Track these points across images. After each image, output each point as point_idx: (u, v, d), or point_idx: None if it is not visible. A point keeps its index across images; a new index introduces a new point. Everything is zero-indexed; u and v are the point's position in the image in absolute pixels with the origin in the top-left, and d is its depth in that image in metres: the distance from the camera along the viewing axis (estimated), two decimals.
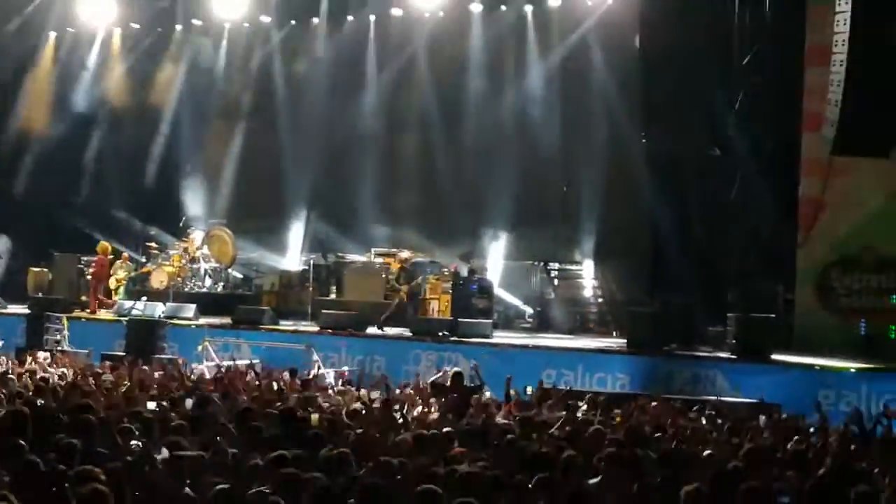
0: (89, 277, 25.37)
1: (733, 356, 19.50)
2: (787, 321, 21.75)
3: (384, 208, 27.18)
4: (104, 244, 25.42)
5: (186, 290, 26.16)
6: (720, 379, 18.56)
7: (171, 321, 22.95)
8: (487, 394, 15.71)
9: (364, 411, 13.05)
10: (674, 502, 8.34)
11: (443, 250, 25.91)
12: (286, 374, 17.27)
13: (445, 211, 26.30)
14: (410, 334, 21.90)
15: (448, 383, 15.42)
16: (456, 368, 16.76)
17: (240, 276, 27.85)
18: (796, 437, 12.05)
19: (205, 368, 19.03)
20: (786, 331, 21.49)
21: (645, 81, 23.16)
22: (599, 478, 9.28)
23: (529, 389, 16.41)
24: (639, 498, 8.81)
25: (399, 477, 8.79)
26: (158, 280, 26.06)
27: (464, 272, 24.06)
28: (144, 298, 24.69)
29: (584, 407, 14.34)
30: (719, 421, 13.62)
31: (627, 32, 23.92)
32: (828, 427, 12.93)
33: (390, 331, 22.51)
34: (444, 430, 11.33)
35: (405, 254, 23.99)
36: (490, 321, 22.68)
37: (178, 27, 29.29)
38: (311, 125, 27.72)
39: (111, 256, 25.60)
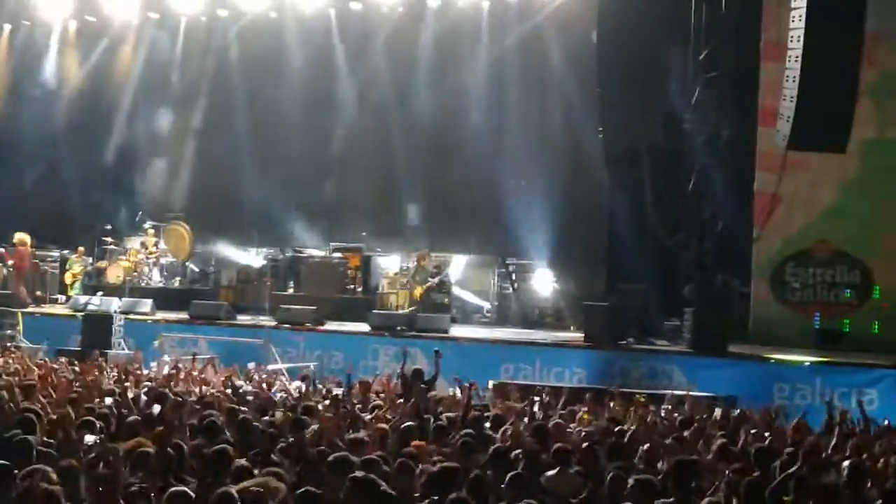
0: (11, 270, 25.19)
1: (690, 350, 19.64)
2: (743, 315, 21.93)
3: (342, 204, 27.12)
4: (21, 235, 25.31)
5: (143, 285, 26.01)
6: (677, 372, 18.70)
7: (128, 316, 22.82)
8: (450, 390, 15.71)
9: (323, 407, 13.03)
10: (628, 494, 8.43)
11: (401, 245, 25.90)
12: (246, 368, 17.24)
13: (403, 206, 26.31)
14: (369, 329, 21.90)
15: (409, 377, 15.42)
16: (416, 366, 16.75)
17: (197, 270, 27.69)
18: (754, 431, 12.16)
19: (163, 364, 18.91)
20: (741, 324, 21.69)
21: (601, 76, 23.21)
22: (556, 470, 9.33)
23: (491, 384, 16.46)
24: (595, 490, 8.86)
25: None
26: (114, 275, 25.89)
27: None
28: (100, 293, 24.51)
29: (545, 401, 14.39)
30: (675, 414, 13.71)
31: (585, 27, 23.96)
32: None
33: (349, 326, 22.50)
34: (404, 425, 11.31)
35: (424, 251, 23.95)
36: (448, 316, 22.74)
37: (135, 21, 29.03)
38: (269, 120, 27.61)
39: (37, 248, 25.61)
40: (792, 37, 17.41)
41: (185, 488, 7.80)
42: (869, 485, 9.17)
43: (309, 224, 26.85)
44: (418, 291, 23.25)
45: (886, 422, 13.59)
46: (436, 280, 23.55)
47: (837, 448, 11.08)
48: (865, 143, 20.39)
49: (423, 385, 14.82)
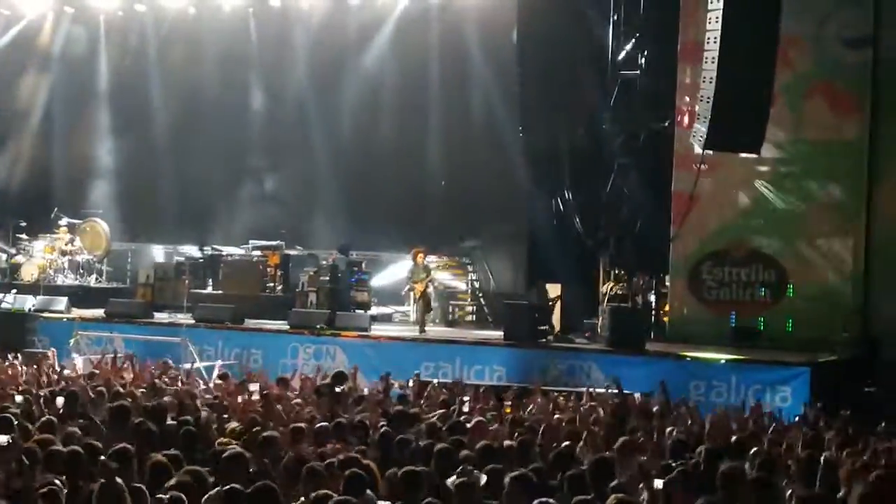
0: None
1: (608, 347, 19.81)
2: (660, 313, 22.18)
3: (261, 200, 26.99)
4: None
5: (58, 282, 25.63)
6: (595, 370, 18.83)
7: (42, 314, 22.49)
8: (365, 390, 15.66)
9: (241, 405, 12.96)
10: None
11: (321, 242, 25.81)
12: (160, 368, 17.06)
13: (324, 203, 26.23)
14: (288, 327, 21.79)
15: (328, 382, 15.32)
16: (338, 369, 16.70)
17: (113, 268, 27.32)
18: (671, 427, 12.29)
19: (79, 362, 18.66)
20: (659, 323, 21.94)
21: (522, 75, 23.36)
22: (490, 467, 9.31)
23: (411, 382, 16.46)
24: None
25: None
26: (29, 272, 25.48)
27: (342, 265, 23.95)
28: (14, 291, 24.12)
29: (467, 399, 14.41)
30: (600, 411, 13.80)
31: (506, 27, 24.07)
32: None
33: (268, 324, 22.37)
34: (320, 424, 11.27)
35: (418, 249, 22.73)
36: (368, 314, 22.69)
37: (50, 14, 28.57)
38: (187, 116, 27.41)
39: None
40: (709, 38, 17.63)
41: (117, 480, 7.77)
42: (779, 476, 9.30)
43: (227, 222, 26.68)
44: (419, 289, 22.20)
45: (797, 418, 13.86)
46: (433, 276, 23.00)
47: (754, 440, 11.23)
48: (780, 144, 20.71)
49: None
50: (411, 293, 22.63)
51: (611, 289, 22.01)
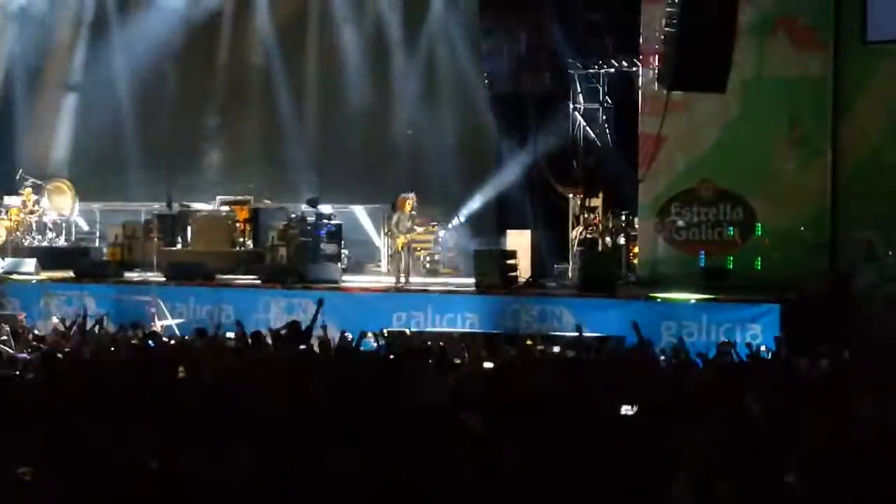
0: None
1: (578, 291, 19.88)
2: (631, 255, 22.29)
3: (229, 156, 26.86)
4: None
5: (26, 244, 25.44)
6: (566, 314, 18.88)
7: (11, 277, 22.36)
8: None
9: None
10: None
11: (290, 196, 25.74)
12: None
13: (292, 156, 26.13)
14: (259, 282, 21.76)
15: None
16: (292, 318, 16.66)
17: (83, 228, 27.17)
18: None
19: (53, 324, 18.57)
20: (629, 265, 22.05)
21: (485, 20, 23.29)
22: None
23: (386, 332, 16.49)
24: None
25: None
26: None
27: (311, 217, 23.89)
28: None
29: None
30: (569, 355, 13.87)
31: None
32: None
33: (240, 280, 22.34)
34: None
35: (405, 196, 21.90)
36: (339, 266, 22.66)
37: None
38: (149, 73, 27.16)
39: None
40: None
41: None
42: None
43: (195, 178, 26.55)
44: (401, 241, 21.49)
45: (769, 354, 13.96)
46: (421, 230, 22.45)
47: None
48: (745, 83, 20.70)
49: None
50: (392, 241, 22.05)
51: (580, 233, 22.12)
